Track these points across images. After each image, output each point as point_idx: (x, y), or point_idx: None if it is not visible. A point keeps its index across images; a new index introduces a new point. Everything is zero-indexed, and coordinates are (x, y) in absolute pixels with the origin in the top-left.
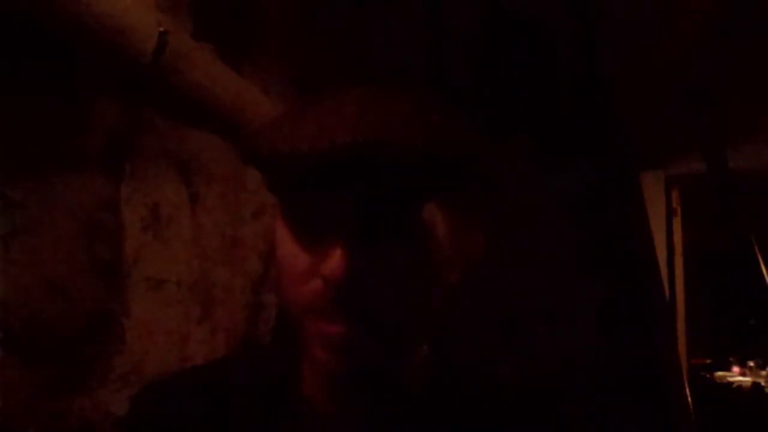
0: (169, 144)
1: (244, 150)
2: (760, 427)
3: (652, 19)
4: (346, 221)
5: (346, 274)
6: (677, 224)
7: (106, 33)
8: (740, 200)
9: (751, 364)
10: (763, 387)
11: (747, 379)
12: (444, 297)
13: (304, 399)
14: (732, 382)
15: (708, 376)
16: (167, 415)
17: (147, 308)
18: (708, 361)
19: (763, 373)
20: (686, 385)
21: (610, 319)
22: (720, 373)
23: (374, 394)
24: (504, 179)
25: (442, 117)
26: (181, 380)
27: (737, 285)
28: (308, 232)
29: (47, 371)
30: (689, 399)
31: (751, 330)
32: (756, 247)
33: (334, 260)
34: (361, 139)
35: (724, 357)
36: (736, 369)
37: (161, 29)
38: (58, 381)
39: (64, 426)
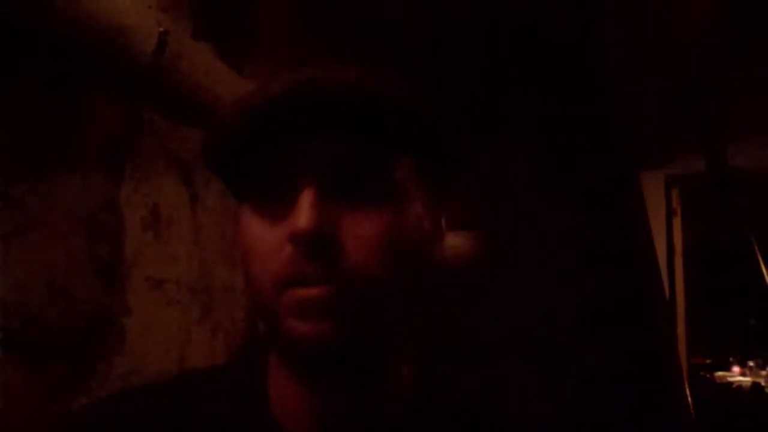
0: (169, 144)
1: (205, 149)
2: (760, 427)
3: (652, 19)
4: (310, 171)
5: (315, 224)
6: (677, 224)
7: (106, 33)
8: (740, 199)
9: (751, 364)
10: (763, 387)
11: (747, 379)
12: (424, 273)
13: (272, 420)
14: (732, 382)
15: (708, 376)
16: None
17: (147, 308)
18: (708, 361)
19: (763, 373)
20: (686, 385)
21: (611, 318)
22: (720, 373)
23: (349, 404)
24: (497, 173)
25: (389, 76)
26: (126, 401)
27: (737, 285)
28: (275, 201)
29: (47, 371)
30: (689, 399)
31: (751, 330)
32: (756, 247)
33: (302, 213)
34: (296, 83)
35: (724, 357)
36: (736, 369)
37: (161, 29)
38: (58, 381)
39: (64, 426)
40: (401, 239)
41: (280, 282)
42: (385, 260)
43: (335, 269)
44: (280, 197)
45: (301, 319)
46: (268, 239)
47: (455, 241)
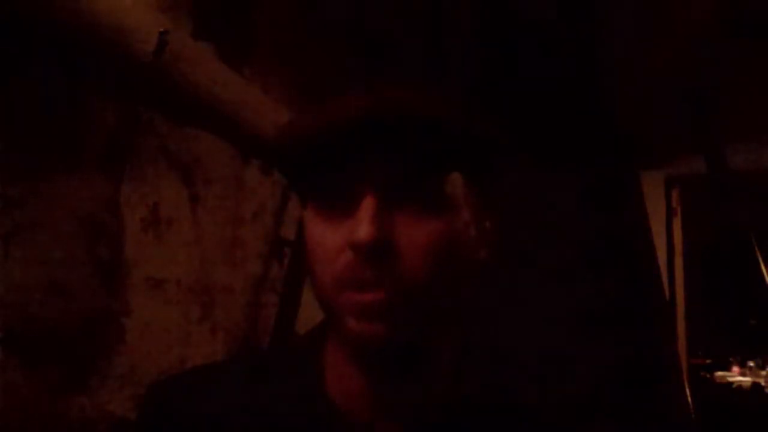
0: (169, 144)
1: (270, 153)
2: (760, 427)
3: (653, 19)
4: (371, 182)
5: (374, 236)
6: (677, 224)
7: (106, 33)
8: (740, 200)
9: (751, 364)
10: (763, 387)
11: (747, 379)
12: (473, 276)
13: (330, 402)
14: (732, 382)
15: (708, 376)
16: (184, 415)
17: (147, 308)
18: (708, 361)
19: (763, 373)
20: (686, 385)
21: (611, 318)
22: (720, 373)
23: (406, 392)
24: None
25: (441, 93)
26: (195, 379)
27: (737, 285)
28: (337, 207)
29: (47, 371)
30: (689, 399)
31: (751, 330)
32: (756, 247)
33: (362, 224)
34: (371, 105)
35: (724, 357)
36: (736, 369)
37: (161, 29)
38: (58, 381)
39: (64, 426)
40: (452, 246)
41: (339, 284)
42: (435, 267)
43: (390, 275)
44: (342, 204)
45: (358, 320)
46: (329, 242)
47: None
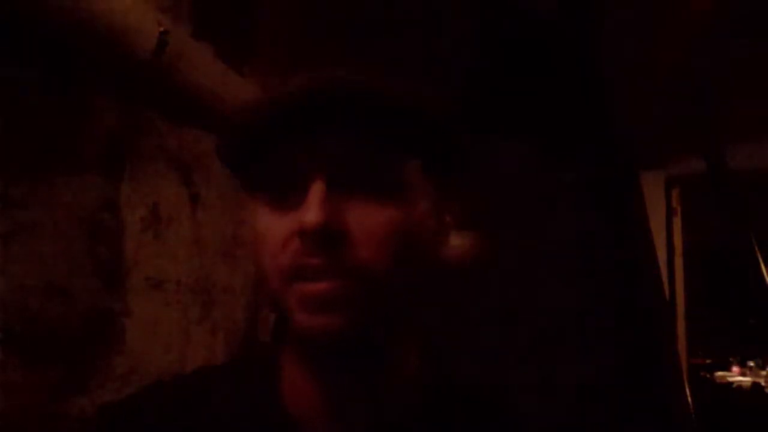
0: (169, 144)
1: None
2: (760, 427)
3: (653, 18)
4: (320, 167)
5: (322, 220)
6: (677, 224)
7: (106, 33)
8: (740, 200)
9: (751, 364)
10: (763, 387)
11: (747, 379)
12: (433, 269)
13: (285, 413)
14: (732, 382)
15: (708, 376)
16: None
17: (147, 308)
18: (708, 361)
19: (763, 373)
20: (686, 385)
21: (610, 318)
22: (720, 373)
23: (363, 395)
24: (496, 173)
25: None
26: (145, 400)
27: (737, 285)
28: (286, 196)
29: (47, 371)
30: (689, 399)
31: (751, 330)
32: (756, 247)
33: (310, 208)
34: (314, 84)
35: (724, 357)
36: (736, 369)
37: (161, 29)
38: (58, 381)
39: (64, 426)
40: (407, 235)
41: (288, 275)
42: (390, 255)
43: (341, 264)
44: (290, 192)
45: (308, 312)
46: (277, 232)
47: (458, 241)
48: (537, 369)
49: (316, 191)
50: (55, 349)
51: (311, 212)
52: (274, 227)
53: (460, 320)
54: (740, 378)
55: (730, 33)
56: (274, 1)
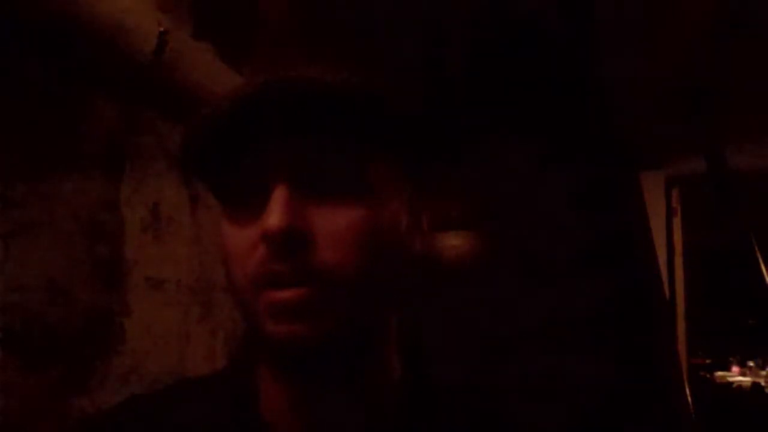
0: (169, 144)
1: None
2: (760, 427)
3: (652, 19)
4: (282, 170)
5: (286, 223)
6: (677, 224)
7: (106, 33)
8: (740, 200)
9: (751, 364)
10: (763, 387)
11: (747, 379)
12: (407, 270)
13: (263, 425)
14: (732, 382)
15: (708, 376)
16: None
17: (147, 308)
18: (708, 361)
19: (763, 373)
20: (686, 385)
21: (610, 318)
22: (720, 373)
23: (342, 402)
24: (496, 173)
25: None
26: (122, 413)
27: (737, 285)
28: (247, 202)
29: (47, 371)
30: (689, 399)
31: (751, 330)
32: (756, 247)
33: (272, 212)
34: (263, 84)
35: (724, 357)
36: (736, 369)
37: (161, 29)
38: (58, 381)
39: (64, 426)
40: (376, 236)
41: (254, 283)
42: (359, 258)
43: (308, 269)
44: (253, 198)
45: (276, 321)
46: (243, 240)
47: (456, 241)
48: (537, 369)
49: (279, 196)
50: (55, 349)
51: (273, 216)
52: (239, 236)
53: (454, 320)
54: (740, 378)
55: (730, 33)
56: (274, 2)
